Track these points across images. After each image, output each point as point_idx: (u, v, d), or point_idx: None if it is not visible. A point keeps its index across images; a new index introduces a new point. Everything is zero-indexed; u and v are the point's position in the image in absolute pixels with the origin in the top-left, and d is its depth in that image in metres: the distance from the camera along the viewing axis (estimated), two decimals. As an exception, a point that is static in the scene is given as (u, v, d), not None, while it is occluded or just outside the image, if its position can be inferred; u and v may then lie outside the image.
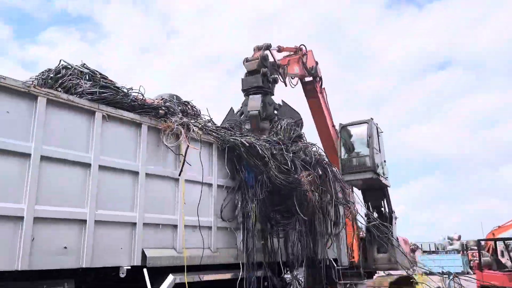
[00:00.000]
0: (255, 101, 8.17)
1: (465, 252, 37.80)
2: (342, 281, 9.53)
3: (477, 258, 31.15)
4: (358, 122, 12.39)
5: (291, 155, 6.88)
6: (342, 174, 10.95)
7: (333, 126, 12.58)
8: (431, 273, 12.49)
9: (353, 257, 11.97)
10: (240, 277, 5.79)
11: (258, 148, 6.33)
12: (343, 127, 12.46)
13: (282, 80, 9.45)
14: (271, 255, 6.43)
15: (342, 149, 12.21)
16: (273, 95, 8.89)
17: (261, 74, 8.48)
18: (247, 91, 8.56)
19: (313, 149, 7.73)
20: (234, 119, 8.48)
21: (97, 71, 5.57)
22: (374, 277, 12.18)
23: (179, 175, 5.40)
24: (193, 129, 5.57)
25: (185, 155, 5.38)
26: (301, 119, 8.86)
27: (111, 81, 5.60)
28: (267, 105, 8.38)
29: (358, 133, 12.34)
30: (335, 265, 7.98)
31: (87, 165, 4.54)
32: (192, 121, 5.88)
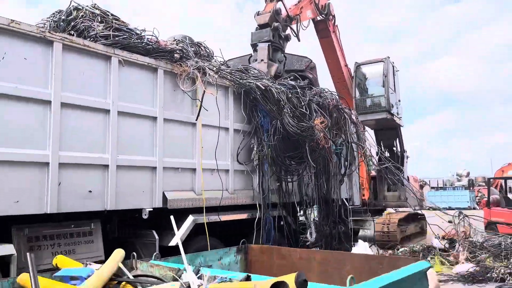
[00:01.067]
0: (263, 50, 7.86)
1: (471, 188, 38.41)
2: (353, 218, 9.86)
3: (484, 194, 31.75)
4: (373, 61, 12.11)
5: (307, 98, 6.82)
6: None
7: (346, 65, 12.31)
8: (437, 208, 12.79)
9: (364, 195, 12.28)
10: (256, 217, 6.01)
11: (274, 91, 6.28)
12: (358, 66, 12.19)
13: (295, 34, 9.01)
14: (286, 196, 6.61)
15: (356, 89, 12.05)
16: (284, 52, 8.50)
17: (273, 29, 8.07)
18: (255, 46, 8.14)
19: (327, 93, 7.63)
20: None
21: (108, 12, 5.43)
22: (384, 214, 12.55)
23: (196, 120, 5.42)
24: (209, 73, 5.50)
25: (202, 100, 5.36)
26: (311, 61, 8.58)
27: (123, 22, 5.47)
28: (276, 60, 8.07)
29: (374, 72, 12.11)
30: (347, 204, 8.20)
31: (106, 111, 4.57)
32: (207, 64, 5.80)
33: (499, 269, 7.16)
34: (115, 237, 5.07)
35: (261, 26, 8.23)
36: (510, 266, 7.23)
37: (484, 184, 38.61)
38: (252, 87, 6.10)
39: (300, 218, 7.04)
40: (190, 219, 5.23)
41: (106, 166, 4.52)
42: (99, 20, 5.19)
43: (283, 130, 6.22)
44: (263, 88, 6.18)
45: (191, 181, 5.42)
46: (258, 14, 8.33)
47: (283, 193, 6.56)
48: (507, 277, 7.00)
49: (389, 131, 12.74)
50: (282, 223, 6.40)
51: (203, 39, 6.69)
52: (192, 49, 6.21)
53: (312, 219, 7.01)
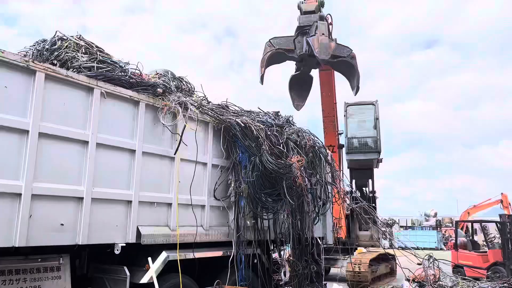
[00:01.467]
0: (324, 25, 8.68)
1: (439, 229, 39.14)
2: (326, 256, 9.84)
3: (450, 235, 32.27)
4: (363, 103, 12.59)
5: (285, 136, 6.93)
6: (347, 153, 11.31)
7: (336, 102, 12.70)
8: (406, 248, 12.94)
9: (339, 234, 12.35)
10: (231, 255, 5.93)
11: (253, 128, 6.36)
12: (349, 106, 12.64)
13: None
14: (261, 234, 6.57)
15: (348, 128, 12.42)
16: None
17: (318, 16, 9.04)
18: (303, 28, 8.96)
19: (305, 132, 7.78)
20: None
21: (93, 44, 5.46)
22: (355, 253, 12.61)
23: (175, 154, 5.40)
24: (191, 109, 5.54)
25: (182, 134, 5.37)
26: (352, 50, 9.18)
27: (107, 54, 5.50)
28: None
29: (363, 113, 12.56)
30: (320, 243, 8.21)
31: (84, 143, 4.51)
32: (188, 99, 5.85)
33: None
34: (84, 273, 4.89)
35: (306, 13, 9.24)
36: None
37: (451, 224, 39.48)
38: (232, 124, 6.17)
39: (273, 256, 6.98)
40: (163, 255, 5.11)
41: (81, 198, 4.41)
42: (84, 51, 5.21)
43: (261, 167, 6.26)
44: (243, 125, 6.26)
45: (166, 216, 5.33)
46: (302, 2, 9.41)
47: (259, 230, 6.52)
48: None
49: (365, 171, 13.02)
50: (255, 261, 6.33)
51: (179, 69, 6.80)
52: (174, 83, 6.27)
53: (285, 258, 6.96)
